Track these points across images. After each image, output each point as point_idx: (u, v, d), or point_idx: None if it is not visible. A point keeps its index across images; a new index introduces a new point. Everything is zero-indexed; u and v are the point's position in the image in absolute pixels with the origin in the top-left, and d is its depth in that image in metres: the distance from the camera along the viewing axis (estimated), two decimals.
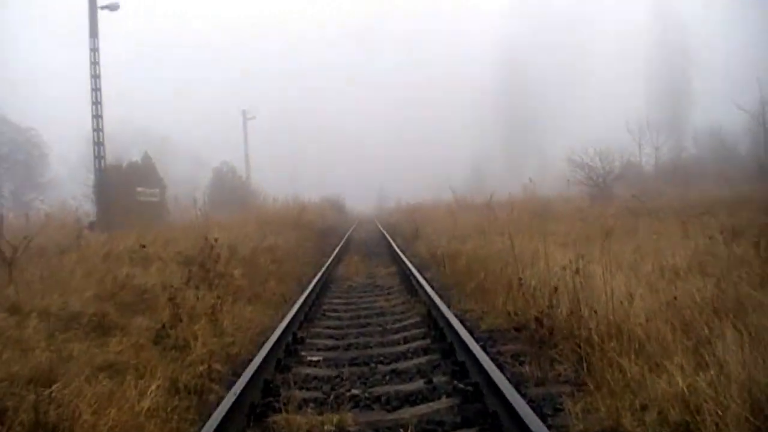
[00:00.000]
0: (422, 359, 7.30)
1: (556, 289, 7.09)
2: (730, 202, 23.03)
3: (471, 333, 7.60)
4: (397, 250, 20.48)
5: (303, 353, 8.00)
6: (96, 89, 38.14)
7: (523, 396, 5.33)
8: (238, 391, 5.42)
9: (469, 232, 19.24)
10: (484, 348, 7.00)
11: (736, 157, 53.32)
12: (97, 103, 37.76)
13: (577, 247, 11.74)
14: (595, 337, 5.97)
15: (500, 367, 6.18)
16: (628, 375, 5.35)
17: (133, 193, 40.50)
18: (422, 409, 5.59)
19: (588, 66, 65.20)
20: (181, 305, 8.16)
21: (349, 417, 5.39)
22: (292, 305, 10.54)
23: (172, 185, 45.30)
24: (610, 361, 5.65)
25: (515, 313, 8.22)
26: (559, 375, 6.00)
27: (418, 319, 9.70)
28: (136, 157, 47.99)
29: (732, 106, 49.23)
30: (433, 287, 11.69)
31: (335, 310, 11.29)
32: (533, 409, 4.93)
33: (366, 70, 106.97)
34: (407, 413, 5.52)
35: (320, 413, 5.61)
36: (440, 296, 10.45)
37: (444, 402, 5.67)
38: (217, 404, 5.40)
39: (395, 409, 5.69)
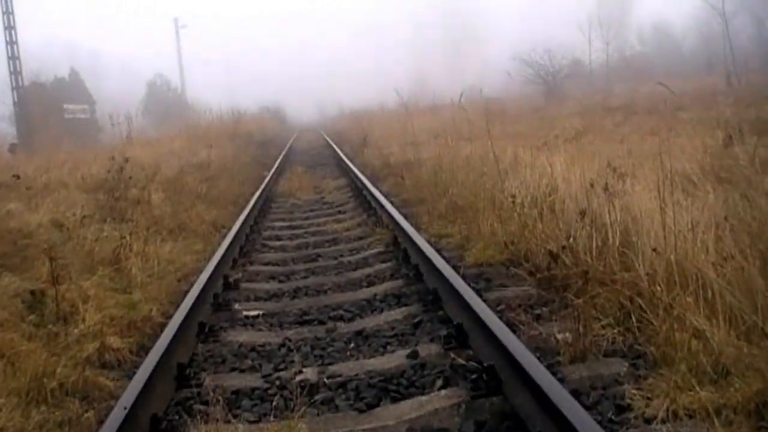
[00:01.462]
0: (397, 313, 5.42)
1: (583, 214, 5.18)
2: (696, 97, 21.49)
3: (456, 270, 5.73)
4: (345, 160, 18.52)
5: (236, 306, 6.09)
6: None
7: (561, 381, 3.53)
8: (132, 401, 3.49)
9: (424, 138, 17.36)
10: (480, 294, 5.18)
11: (683, 52, 52.34)
12: (8, 12, 34.48)
13: (558, 151, 10.03)
14: (656, 285, 4.17)
15: (512, 328, 4.36)
16: (714, 345, 3.60)
17: (60, 111, 37.94)
18: (410, 407, 3.72)
19: None
20: (72, 253, 6.11)
21: (302, 427, 3.52)
22: (225, 236, 8.60)
23: (105, 101, 42.61)
24: (680, 320, 3.88)
25: (510, 242, 6.37)
26: (601, 340, 4.17)
27: (381, 248, 7.83)
28: (64, 74, 45.23)
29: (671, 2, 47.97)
30: (393, 204, 9.81)
31: (278, 238, 9.37)
32: (587, 408, 3.17)
33: None
34: (389, 416, 3.65)
35: (258, 419, 3.76)
36: (405, 216, 8.57)
37: (443, 396, 3.79)
38: (101, 423, 3.51)
39: (370, 407, 3.81)
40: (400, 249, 7.27)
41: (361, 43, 76.69)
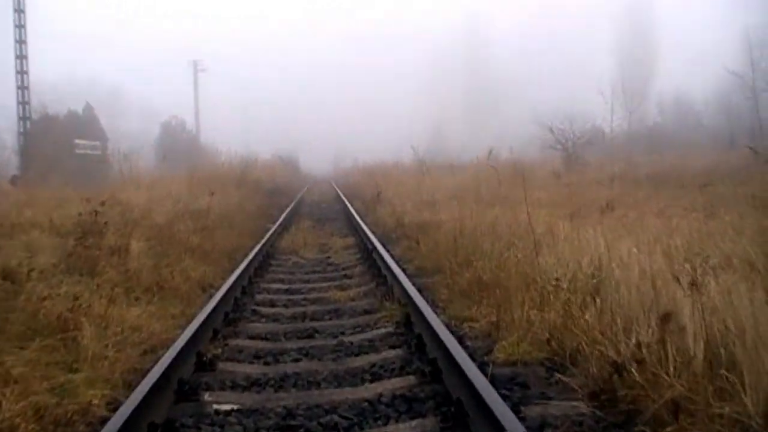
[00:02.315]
0: (407, 427, 4.16)
1: (666, 318, 3.94)
2: (725, 172, 20.39)
3: (483, 370, 4.51)
4: (356, 216, 17.35)
5: (206, 395, 4.86)
6: (20, 26, 34.39)
7: None
8: None
9: (441, 198, 16.29)
10: (517, 410, 3.96)
11: (707, 126, 51.59)
12: (20, 41, 34.00)
13: (595, 223, 8.91)
14: None
15: None
16: None
17: (71, 146, 37.30)
18: None
19: (552, 34, 62.87)
20: (12, 314, 4.92)
21: None
22: (211, 297, 7.42)
23: (121, 140, 42.00)
24: None
25: (552, 337, 5.14)
26: None
27: (390, 328, 6.59)
28: (78, 108, 44.81)
29: (693, 74, 47.73)
30: (406, 272, 8.63)
31: (272, 305, 8.15)
32: None
33: (324, 29, 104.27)
34: None
35: None
36: (419, 290, 7.40)
37: None
38: None
39: None
40: (414, 333, 6.04)
41: (379, 95, 76.15)
